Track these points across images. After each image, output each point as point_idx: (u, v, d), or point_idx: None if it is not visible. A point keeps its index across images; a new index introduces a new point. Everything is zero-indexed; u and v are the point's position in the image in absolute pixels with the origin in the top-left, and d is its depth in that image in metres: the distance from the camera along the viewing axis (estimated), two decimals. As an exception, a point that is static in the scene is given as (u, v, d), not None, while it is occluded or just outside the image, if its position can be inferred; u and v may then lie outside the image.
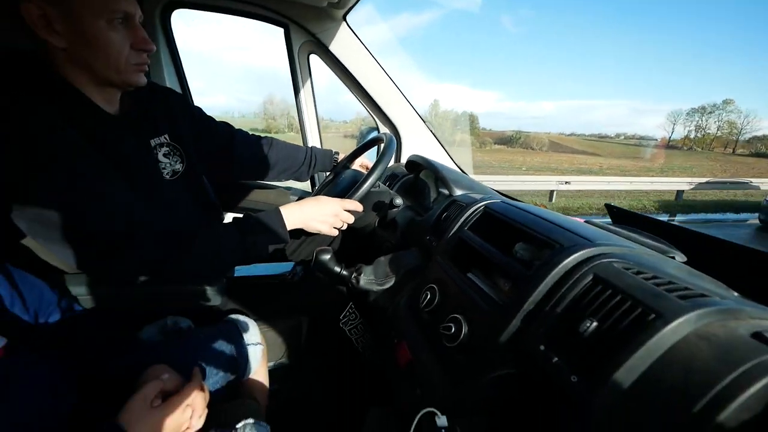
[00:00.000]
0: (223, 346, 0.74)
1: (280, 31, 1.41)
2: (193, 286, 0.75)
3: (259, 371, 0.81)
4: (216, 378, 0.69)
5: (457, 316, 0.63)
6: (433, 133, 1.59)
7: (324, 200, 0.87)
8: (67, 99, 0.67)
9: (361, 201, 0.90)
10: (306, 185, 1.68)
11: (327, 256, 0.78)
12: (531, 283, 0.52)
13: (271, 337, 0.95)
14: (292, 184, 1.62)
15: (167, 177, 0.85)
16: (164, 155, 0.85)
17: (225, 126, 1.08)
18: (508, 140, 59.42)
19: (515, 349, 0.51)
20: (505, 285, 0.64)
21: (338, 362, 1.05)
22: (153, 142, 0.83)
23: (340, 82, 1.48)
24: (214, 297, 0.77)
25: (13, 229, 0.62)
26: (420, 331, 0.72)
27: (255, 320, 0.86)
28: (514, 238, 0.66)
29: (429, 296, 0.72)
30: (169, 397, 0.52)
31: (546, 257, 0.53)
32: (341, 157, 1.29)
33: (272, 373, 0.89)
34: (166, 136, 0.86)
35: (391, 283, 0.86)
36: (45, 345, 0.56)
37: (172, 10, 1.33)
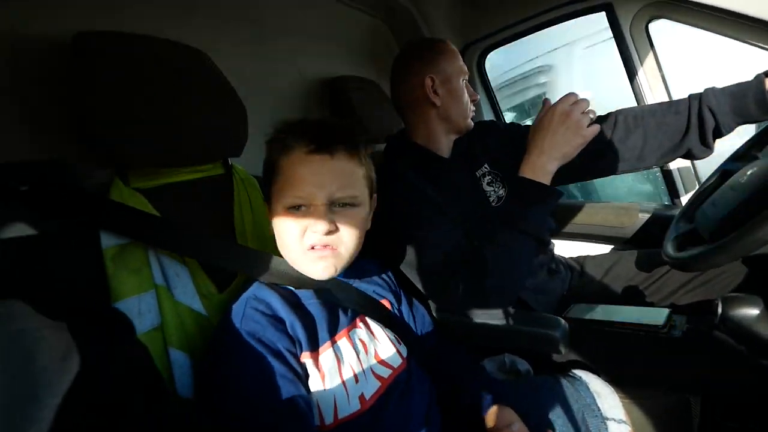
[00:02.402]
0: (573, 408, 0.58)
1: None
2: (534, 329, 0.66)
3: (625, 461, 0.58)
4: (567, 452, 0.54)
5: None
6: None
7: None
8: (419, 155, 0.85)
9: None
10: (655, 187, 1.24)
11: (752, 312, 0.44)
12: None
13: (635, 413, 0.67)
14: (638, 193, 1.24)
15: (493, 204, 0.86)
16: (488, 184, 0.88)
17: None
18: None
19: None
20: None
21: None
22: (477, 174, 0.88)
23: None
24: (556, 343, 0.65)
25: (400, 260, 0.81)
26: None
27: (611, 385, 0.64)
28: None
29: None
30: None
31: None
32: None
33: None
34: (486, 165, 0.90)
35: None
36: (424, 361, 0.65)
37: (486, 55, 1.46)
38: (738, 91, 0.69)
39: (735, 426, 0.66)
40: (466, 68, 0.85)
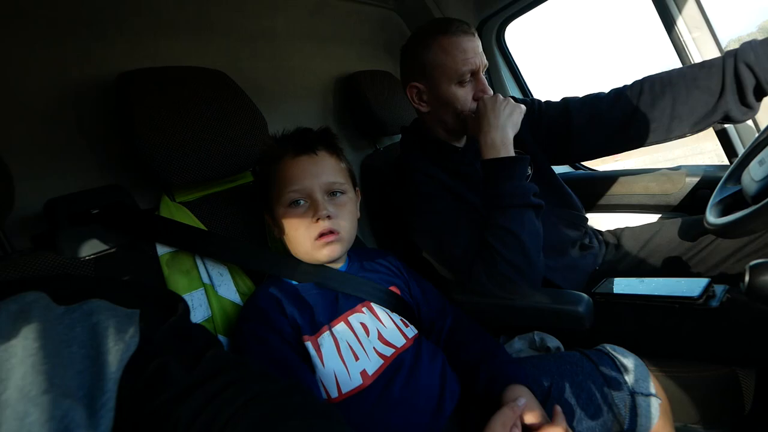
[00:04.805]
0: (597, 383, 0.58)
1: None
2: (558, 306, 0.67)
3: (659, 434, 0.57)
4: (588, 425, 0.55)
5: None
6: None
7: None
8: (434, 147, 0.86)
9: None
10: (709, 152, 1.12)
11: (780, 278, 0.41)
12: None
13: (672, 386, 0.65)
14: (685, 158, 1.13)
15: None
16: None
17: (560, 101, 0.91)
18: None
19: None
20: None
21: None
22: None
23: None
24: (580, 319, 0.64)
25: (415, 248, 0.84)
26: None
27: (646, 360, 0.62)
28: None
29: None
30: None
31: None
32: None
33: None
34: None
35: None
36: (438, 340, 0.69)
37: (505, 28, 1.39)
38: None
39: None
40: (473, 61, 0.75)
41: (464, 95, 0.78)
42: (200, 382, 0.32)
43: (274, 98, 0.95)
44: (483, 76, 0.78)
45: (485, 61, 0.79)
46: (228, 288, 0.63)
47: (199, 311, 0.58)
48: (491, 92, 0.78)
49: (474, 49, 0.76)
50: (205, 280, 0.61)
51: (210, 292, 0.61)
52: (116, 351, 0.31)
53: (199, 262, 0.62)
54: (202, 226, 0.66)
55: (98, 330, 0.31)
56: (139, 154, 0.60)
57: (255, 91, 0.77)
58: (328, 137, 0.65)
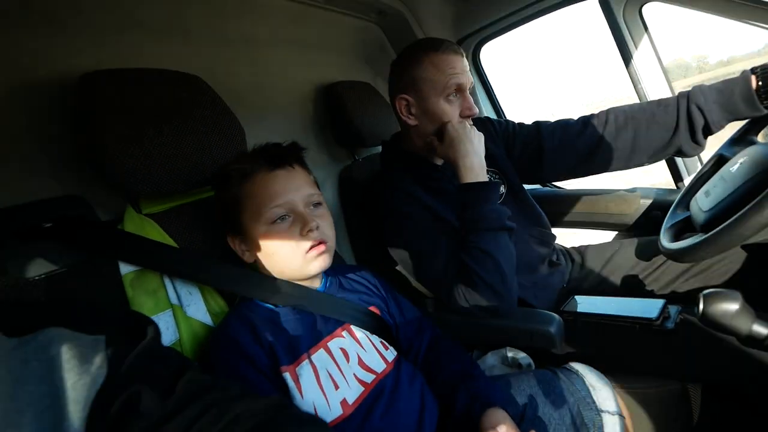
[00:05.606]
0: (569, 402, 0.61)
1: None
2: (530, 325, 0.69)
3: (622, 449, 0.60)
4: (562, 444, 0.57)
5: None
6: None
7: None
8: (414, 163, 0.86)
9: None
10: (663, 176, 1.23)
11: (731, 307, 0.45)
12: None
13: (633, 403, 0.70)
14: (639, 181, 1.23)
15: None
16: None
17: (532, 124, 0.95)
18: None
19: None
20: None
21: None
22: None
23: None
24: (551, 340, 0.67)
25: (392, 262, 0.84)
26: None
27: (608, 376, 0.66)
28: None
29: None
30: None
31: None
32: None
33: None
34: None
35: None
36: (416, 360, 0.69)
37: (480, 48, 1.45)
38: (725, 87, 0.70)
39: (733, 414, 0.67)
40: (461, 77, 0.77)
41: (451, 111, 0.79)
42: (177, 410, 0.30)
43: (252, 106, 0.92)
44: (469, 95, 0.81)
45: (472, 81, 0.81)
46: (198, 308, 0.59)
47: (165, 335, 0.54)
48: (477, 111, 0.81)
49: (462, 66, 0.78)
50: (173, 300, 0.57)
51: (178, 313, 0.57)
52: (81, 386, 0.28)
53: (167, 281, 0.57)
54: (172, 242, 0.61)
55: (58, 363, 0.28)
56: (102, 162, 0.55)
57: (232, 97, 0.73)
58: (299, 151, 0.64)
